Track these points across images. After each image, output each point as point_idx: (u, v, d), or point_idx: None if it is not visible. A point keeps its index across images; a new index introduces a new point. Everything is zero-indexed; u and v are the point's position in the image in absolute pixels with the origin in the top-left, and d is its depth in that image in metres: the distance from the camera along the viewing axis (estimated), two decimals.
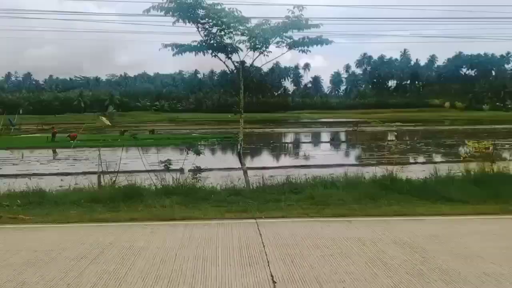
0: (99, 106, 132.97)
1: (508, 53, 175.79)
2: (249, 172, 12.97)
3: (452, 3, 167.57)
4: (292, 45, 12.10)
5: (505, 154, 26.04)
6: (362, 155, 28.93)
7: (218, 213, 9.22)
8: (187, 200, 10.26)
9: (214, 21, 11.42)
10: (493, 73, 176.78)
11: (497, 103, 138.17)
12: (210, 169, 18.21)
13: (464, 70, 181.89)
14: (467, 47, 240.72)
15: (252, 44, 11.84)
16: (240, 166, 12.81)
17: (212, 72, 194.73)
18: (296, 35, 12.14)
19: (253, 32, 11.55)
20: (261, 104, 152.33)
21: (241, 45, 11.95)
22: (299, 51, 12.16)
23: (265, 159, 26.97)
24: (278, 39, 11.98)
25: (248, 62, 12.62)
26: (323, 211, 9.36)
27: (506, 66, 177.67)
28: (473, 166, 12.42)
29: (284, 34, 11.85)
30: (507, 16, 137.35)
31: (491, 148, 13.67)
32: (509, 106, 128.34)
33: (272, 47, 12.18)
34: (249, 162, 23.47)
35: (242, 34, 11.85)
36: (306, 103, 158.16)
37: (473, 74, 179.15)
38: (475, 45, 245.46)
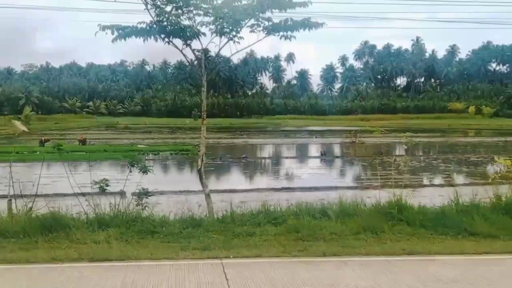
0: (12, 106, 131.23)
1: None
2: (213, 197, 12.93)
3: None
4: (271, 30, 12.18)
5: None
6: (362, 175, 29.14)
7: (170, 251, 9.16)
8: (129, 234, 10.17)
9: None
10: None
11: None
12: (161, 192, 18.11)
13: (493, 65, 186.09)
14: (497, 36, 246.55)
15: (219, 27, 11.89)
16: (201, 189, 12.75)
17: (165, 63, 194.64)
18: (277, 16, 12.24)
19: (220, 12, 11.61)
20: (230, 106, 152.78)
21: (204, 29, 12.02)
22: (280, 38, 12.26)
23: (235, 179, 26.94)
24: (252, 21, 12.06)
25: (214, 51, 12.67)
26: (310, 248, 9.39)
27: None
28: (505, 190, 12.66)
29: (261, 15, 11.92)
30: None
31: None
32: None
33: (245, 32, 12.26)
34: (213, 183, 23.38)
35: (206, 14, 11.90)
36: (290, 106, 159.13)
37: (505, 71, 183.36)
38: (507, 33, 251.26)
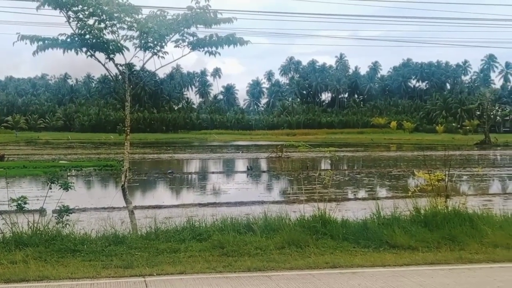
0: None
1: (465, 61, 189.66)
2: (137, 213, 12.78)
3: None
4: (196, 45, 12.23)
5: (463, 188, 27.79)
6: (288, 189, 29.47)
7: (91, 270, 8.96)
8: (48, 253, 9.88)
9: (91, 9, 11.27)
10: (448, 86, 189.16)
11: (453, 124, 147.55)
12: (83, 209, 17.71)
13: (413, 81, 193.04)
14: (416, 53, 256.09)
15: (143, 42, 11.82)
16: (125, 205, 12.56)
17: (89, 77, 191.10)
18: (202, 32, 12.30)
19: (144, 26, 11.54)
20: (156, 121, 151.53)
21: (128, 43, 11.90)
22: (205, 53, 12.30)
23: (161, 194, 26.65)
24: (177, 36, 12.06)
25: (139, 65, 12.55)
26: (235, 264, 9.42)
27: (463, 77, 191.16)
28: (424, 203, 13.09)
29: (186, 30, 11.95)
30: (465, 17, 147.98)
31: (445, 180, 14.45)
32: (467, 127, 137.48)
33: (170, 47, 12.23)
34: (138, 199, 23.11)
35: (130, 29, 11.81)
36: (216, 121, 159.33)
37: (424, 87, 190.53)
38: (425, 51, 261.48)
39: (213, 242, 10.62)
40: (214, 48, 12.29)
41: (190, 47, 12.25)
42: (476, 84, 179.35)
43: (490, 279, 8.79)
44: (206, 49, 12.26)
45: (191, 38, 12.10)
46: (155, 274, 8.73)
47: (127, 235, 11.21)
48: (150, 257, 9.69)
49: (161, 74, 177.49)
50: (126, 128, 12.38)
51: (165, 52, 12.12)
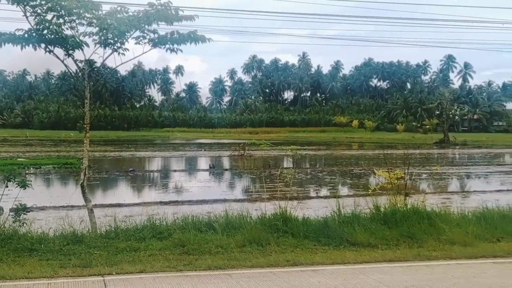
0: None
1: (425, 61, 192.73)
2: (97, 211, 12.63)
3: None
4: (157, 42, 12.14)
5: (422, 186, 28.22)
6: (250, 187, 29.52)
7: (49, 270, 8.82)
8: (4, 253, 9.70)
9: (50, 4, 11.08)
10: (408, 85, 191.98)
11: (413, 123, 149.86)
12: (42, 208, 17.43)
13: (374, 80, 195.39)
14: (377, 53, 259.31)
15: (103, 38, 11.68)
16: (84, 203, 12.40)
17: (48, 73, 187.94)
18: (163, 28, 12.22)
19: (104, 23, 11.40)
20: (117, 118, 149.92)
21: (87, 39, 11.73)
22: (166, 50, 12.22)
23: (121, 193, 26.39)
24: (138, 33, 11.95)
25: (100, 62, 12.40)
26: (196, 262, 9.40)
27: (423, 77, 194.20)
28: (384, 201, 13.25)
29: (147, 27, 11.85)
30: (425, 17, 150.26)
31: (404, 178, 14.64)
32: (427, 126, 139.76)
33: (131, 44, 12.11)
34: (98, 197, 22.85)
35: (90, 25, 11.65)
36: (179, 119, 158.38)
37: (385, 86, 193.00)
38: (387, 51, 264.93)
39: (174, 241, 10.57)
40: (175, 45, 12.21)
41: (151, 44, 12.16)
42: (435, 84, 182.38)
43: (447, 276, 8.95)
44: (167, 46, 12.18)
45: (152, 35, 12.01)
46: (114, 273, 8.64)
47: (86, 234, 11.06)
48: (110, 256, 9.60)
49: (123, 71, 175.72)
50: (85, 126, 12.22)
51: (126, 49, 12.01)
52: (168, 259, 9.55)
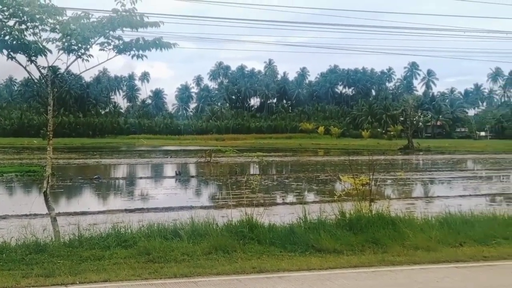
0: None
1: (389, 68, 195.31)
2: (61, 220, 12.45)
3: (323, 6, 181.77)
4: (122, 49, 12.04)
5: (387, 192, 28.50)
6: (216, 194, 29.42)
7: (10, 280, 8.66)
8: None
9: (11, 10, 10.91)
10: (373, 92, 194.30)
11: (378, 129, 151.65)
12: (3, 217, 17.13)
13: (340, 87, 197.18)
14: (343, 60, 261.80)
15: (66, 44, 11.54)
16: (47, 212, 12.20)
17: (11, 80, 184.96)
18: (129, 35, 12.13)
19: (67, 28, 11.25)
20: (82, 125, 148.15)
21: (50, 45, 11.57)
22: (132, 57, 12.14)
23: (86, 201, 26.04)
24: (102, 39, 11.83)
25: (64, 68, 12.25)
26: (162, 270, 9.33)
27: (387, 84, 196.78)
28: (349, 207, 13.35)
29: (111, 33, 11.74)
30: (389, 25, 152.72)
31: (369, 184, 14.78)
32: (392, 133, 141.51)
33: (95, 50, 12.00)
34: (62, 205, 22.47)
35: (53, 31, 11.50)
36: (145, 126, 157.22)
37: (351, 93, 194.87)
38: (352, 58, 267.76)
39: (139, 249, 10.48)
40: (141, 52, 12.13)
41: (116, 51, 12.06)
42: (399, 91, 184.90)
43: (410, 281, 9.06)
44: (132, 52, 12.10)
45: (116, 42, 11.91)
46: (77, 282, 8.53)
47: (49, 243, 10.89)
48: (73, 265, 9.46)
49: (88, 77, 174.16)
50: (49, 133, 12.05)
51: (90, 55, 11.89)
52: (133, 268, 9.46)
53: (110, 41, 11.87)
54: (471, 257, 10.79)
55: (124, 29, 11.74)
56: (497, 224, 13.17)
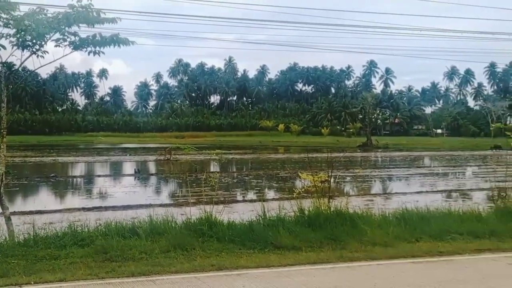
0: None
1: (348, 66, 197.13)
2: (16, 219, 12.22)
3: (283, 4, 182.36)
4: (79, 45, 11.84)
5: (346, 188, 28.84)
6: (176, 192, 29.30)
7: None
8: None
9: None
10: (333, 90, 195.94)
11: (337, 126, 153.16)
12: None
13: (299, 85, 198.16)
14: (302, 58, 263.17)
15: (21, 40, 11.30)
16: (0, 211, 11.95)
17: None
18: (85, 31, 11.94)
19: (21, 24, 11.01)
20: (38, 123, 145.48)
21: (4, 41, 11.32)
22: (88, 53, 11.95)
23: (42, 199, 25.61)
24: (58, 35, 11.62)
25: (18, 64, 12.00)
26: (119, 269, 9.24)
27: (346, 82, 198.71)
28: (308, 203, 13.43)
29: (67, 29, 11.54)
30: (348, 23, 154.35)
31: (329, 181, 14.89)
32: (351, 130, 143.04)
33: (50, 46, 11.77)
34: (17, 204, 22.13)
35: (6, 26, 11.23)
36: (103, 123, 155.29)
37: (310, 91, 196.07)
38: (311, 56, 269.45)
39: (96, 248, 10.35)
40: (97, 48, 11.96)
41: (72, 47, 11.85)
42: (358, 89, 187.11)
43: (368, 276, 9.17)
44: (89, 49, 11.90)
45: (73, 38, 11.69)
46: (32, 282, 8.37)
47: (3, 242, 10.67)
48: (28, 265, 9.28)
49: (44, 74, 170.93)
50: (2, 130, 11.79)
51: (45, 51, 11.66)
52: (90, 267, 9.34)
53: (66, 37, 11.64)
54: (427, 252, 10.99)
55: (80, 25, 11.56)
56: (452, 220, 13.45)
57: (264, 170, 41.90)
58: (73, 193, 28.75)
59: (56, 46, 11.71)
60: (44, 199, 25.82)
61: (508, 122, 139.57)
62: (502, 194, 15.68)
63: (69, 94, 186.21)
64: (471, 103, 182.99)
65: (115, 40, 11.75)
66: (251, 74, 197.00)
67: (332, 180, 14.99)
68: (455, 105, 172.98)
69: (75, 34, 11.70)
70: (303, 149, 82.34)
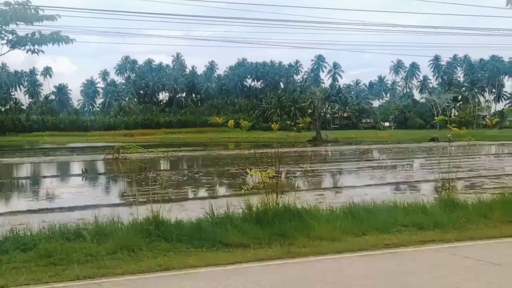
0: None
1: (297, 61, 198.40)
2: None
3: (229, 0, 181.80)
4: (17, 43, 11.58)
5: (296, 183, 29.01)
6: (124, 191, 28.93)
7: None
8: None
9: None
10: (282, 85, 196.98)
11: (287, 121, 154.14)
12: None
13: (248, 81, 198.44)
14: (251, 54, 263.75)
15: None
16: None
17: None
18: (24, 29, 11.68)
19: None
20: None
21: None
22: (27, 52, 11.71)
23: None
24: None
25: None
26: (63, 273, 9.08)
27: (295, 76, 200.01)
28: (256, 200, 13.46)
29: (4, 27, 11.26)
30: (296, 19, 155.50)
31: (277, 177, 14.95)
32: (301, 125, 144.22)
33: None
34: None
35: None
36: (48, 122, 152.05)
37: (260, 86, 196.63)
38: (260, 52, 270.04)
39: (40, 252, 10.13)
40: (37, 47, 11.72)
41: (9, 45, 11.58)
42: (307, 83, 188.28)
43: (316, 271, 9.27)
44: (27, 47, 11.67)
45: (10, 36, 11.44)
46: None
47: None
48: None
49: None
50: None
51: None
52: (33, 271, 9.13)
53: (2, 35, 11.39)
54: (373, 245, 11.16)
55: (17, 23, 11.29)
56: (398, 212, 13.72)
57: (214, 167, 41.79)
58: (17, 196, 28.08)
59: None
60: None
61: (452, 114, 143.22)
62: (445, 185, 16.06)
63: (12, 93, 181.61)
64: (417, 96, 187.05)
65: (55, 38, 11.56)
66: (200, 70, 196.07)
67: (280, 175, 15.04)
68: (402, 98, 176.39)
69: (12, 32, 11.44)
70: (253, 144, 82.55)
